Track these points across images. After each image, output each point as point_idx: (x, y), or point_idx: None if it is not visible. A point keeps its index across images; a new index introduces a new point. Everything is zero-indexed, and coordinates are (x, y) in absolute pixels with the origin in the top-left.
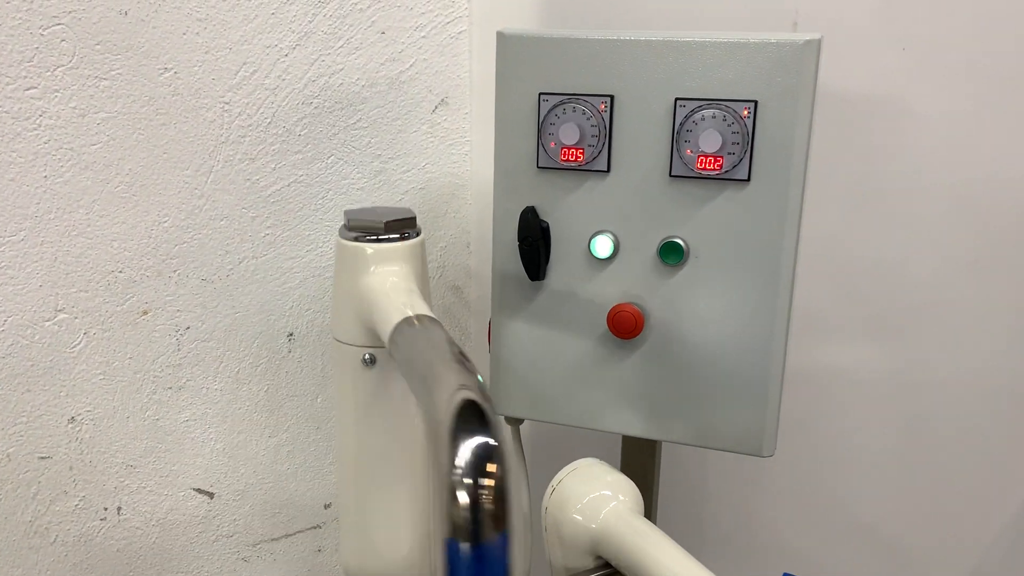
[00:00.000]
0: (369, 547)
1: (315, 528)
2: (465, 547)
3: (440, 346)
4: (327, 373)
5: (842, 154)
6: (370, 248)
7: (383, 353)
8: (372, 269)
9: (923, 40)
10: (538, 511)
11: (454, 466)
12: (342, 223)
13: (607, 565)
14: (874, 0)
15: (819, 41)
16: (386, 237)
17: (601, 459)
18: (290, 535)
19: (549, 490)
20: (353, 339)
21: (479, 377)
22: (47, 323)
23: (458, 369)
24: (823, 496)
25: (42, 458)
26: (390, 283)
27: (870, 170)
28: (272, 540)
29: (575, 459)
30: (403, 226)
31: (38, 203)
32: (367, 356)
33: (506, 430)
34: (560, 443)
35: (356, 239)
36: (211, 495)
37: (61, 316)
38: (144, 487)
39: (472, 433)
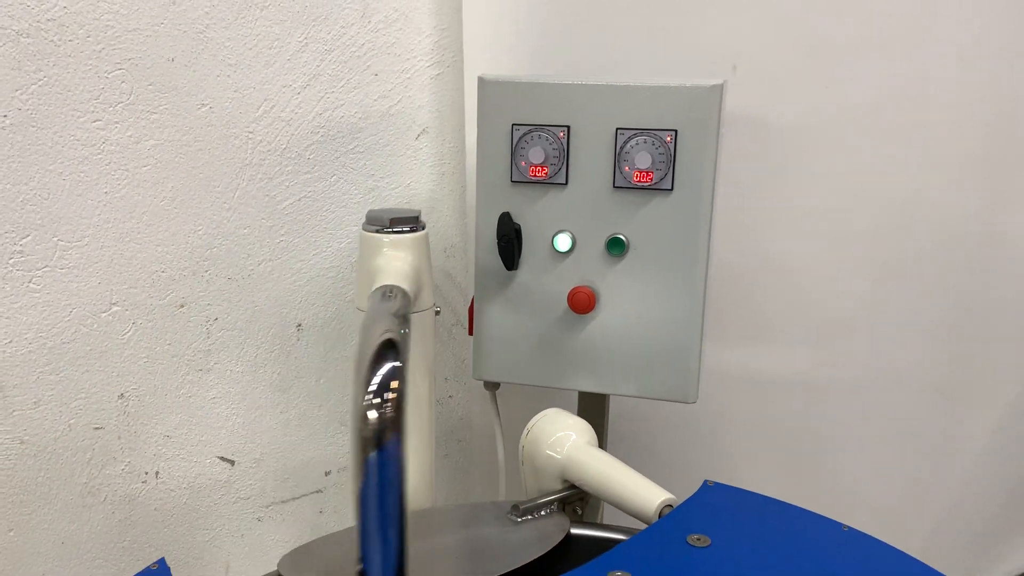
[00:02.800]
0: None
1: (317, 492)
2: (373, 454)
3: (386, 308)
4: (329, 358)
5: (781, 177)
6: (385, 238)
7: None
8: (384, 252)
9: (844, 79)
10: (516, 451)
11: (367, 392)
12: (364, 220)
13: (572, 487)
14: (801, 45)
15: (722, 85)
16: (396, 229)
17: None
18: (296, 498)
19: (524, 432)
20: None
21: (405, 330)
22: (103, 314)
23: (390, 321)
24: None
25: (96, 428)
26: (393, 265)
27: (805, 192)
28: (282, 502)
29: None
30: (408, 222)
31: (99, 214)
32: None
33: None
34: (529, 401)
35: (376, 231)
36: (232, 462)
37: (115, 308)
38: (178, 455)
39: (383, 363)
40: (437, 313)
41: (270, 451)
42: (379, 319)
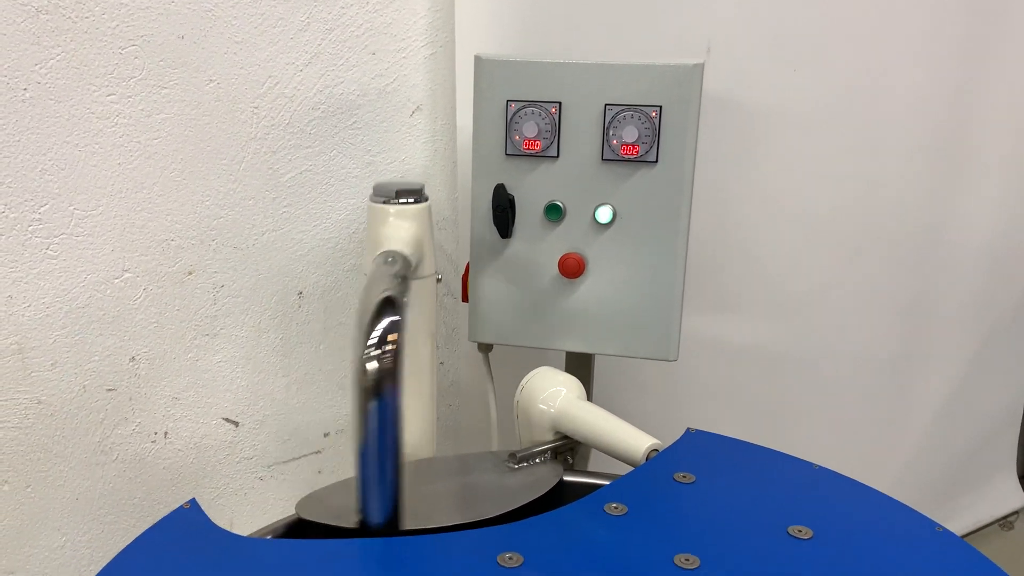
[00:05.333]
0: None
1: (316, 453)
2: (372, 403)
3: (387, 270)
4: (328, 325)
5: (749, 158)
6: (391, 208)
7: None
8: (389, 221)
9: (810, 65)
10: (507, 409)
11: (366, 346)
12: (372, 191)
13: (564, 437)
14: (770, 29)
15: (703, 64)
16: (401, 200)
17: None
18: (296, 459)
19: (519, 388)
20: None
21: (404, 298)
22: (116, 280)
23: (391, 282)
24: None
25: (109, 390)
26: (398, 234)
27: (771, 172)
28: (283, 463)
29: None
30: (411, 193)
31: (113, 184)
32: None
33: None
34: (519, 364)
35: (382, 202)
36: (236, 424)
37: (127, 275)
38: (186, 416)
39: (383, 318)
40: (439, 280)
41: (272, 413)
42: (379, 279)
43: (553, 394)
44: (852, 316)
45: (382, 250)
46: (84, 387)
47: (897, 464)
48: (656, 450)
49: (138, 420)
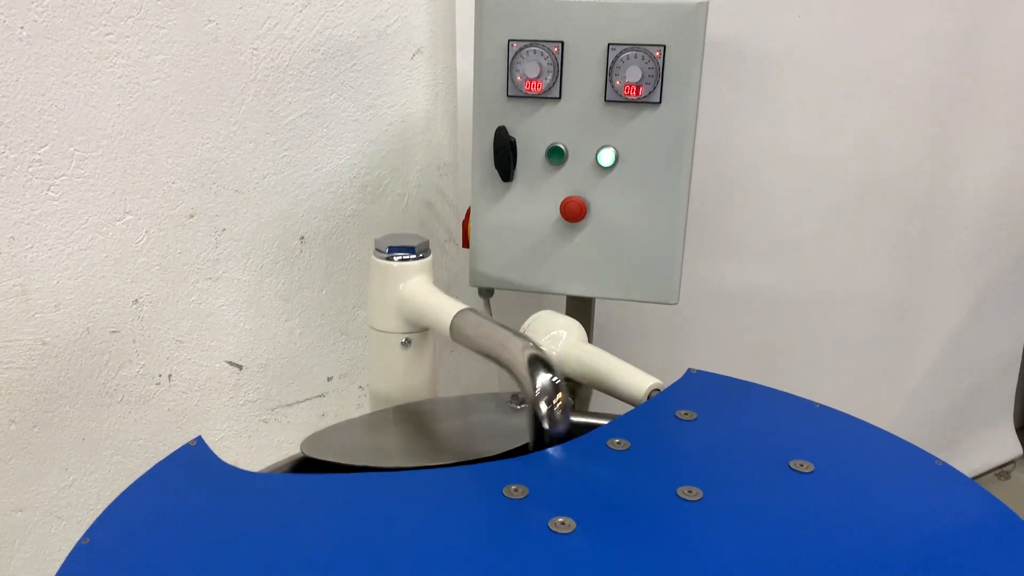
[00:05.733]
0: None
1: (320, 396)
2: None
3: (494, 324)
4: (330, 270)
5: (753, 102)
6: (405, 265)
7: (416, 336)
8: (409, 278)
9: (817, 10)
10: None
11: (535, 390)
12: (375, 248)
13: (567, 379)
14: None
15: (707, 3)
16: (410, 257)
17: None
18: (300, 402)
19: (521, 331)
20: (394, 328)
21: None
22: (117, 223)
23: (517, 338)
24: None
25: (112, 332)
26: (426, 288)
27: (775, 116)
28: (286, 406)
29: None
30: (422, 248)
31: (113, 126)
32: (405, 339)
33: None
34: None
35: (388, 259)
36: (240, 367)
37: (128, 217)
38: (189, 359)
39: (541, 372)
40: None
41: (275, 357)
42: (509, 338)
43: (554, 337)
44: (853, 262)
45: (459, 309)
46: (88, 329)
47: (894, 412)
48: (657, 390)
49: (142, 362)
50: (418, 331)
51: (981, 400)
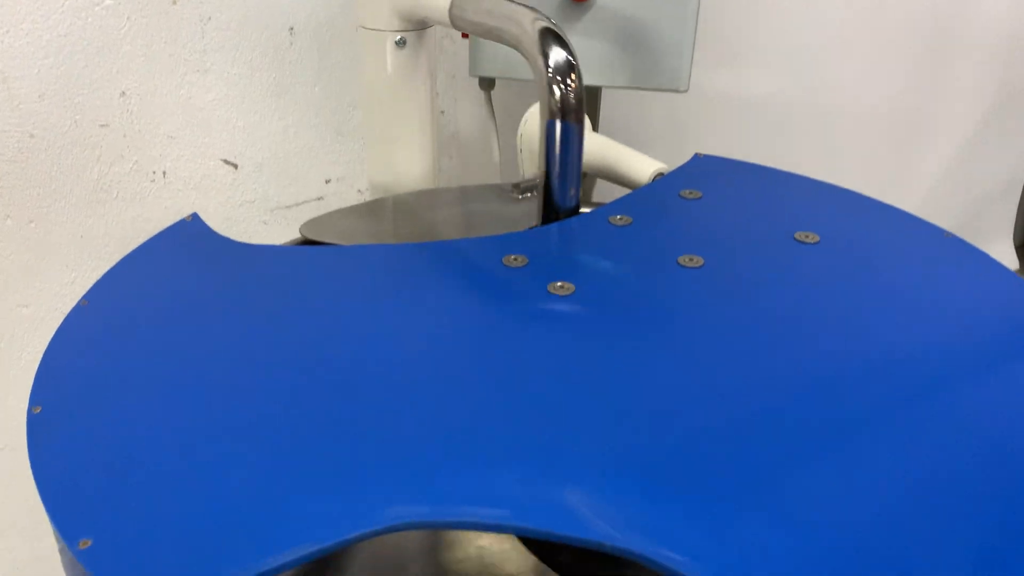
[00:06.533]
0: (390, 167)
1: (319, 199)
2: (557, 124)
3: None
4: (323, 65)
5: None
6: None
7: (411, 35)
8: None
9: None
10: (510, 149)
11: (548, 69)
12: None
13: None
14: None
15: None
16: None
17: None
18: (299, 204)
19: (523, 121)
20: (385, 25)
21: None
22: (96, 7)
23: (527, 10)
24: None
25: (101, 126)
26: None
27: None
28: (286, 208)
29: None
30: None
31: None
32: (400, 39)
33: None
34: (520, 101)
35: None
36: (235, 166)
37: (107, 2)
38: (183, 156)
39: (554, 47)
40: None
41: (271, 156)
42: (517, 10)
43: None
44: (864, 72)
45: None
46: (76, 121)
47: None
48: (662, 173)
49: (135, 158)
50: (413, 29)
51: (983, 218)
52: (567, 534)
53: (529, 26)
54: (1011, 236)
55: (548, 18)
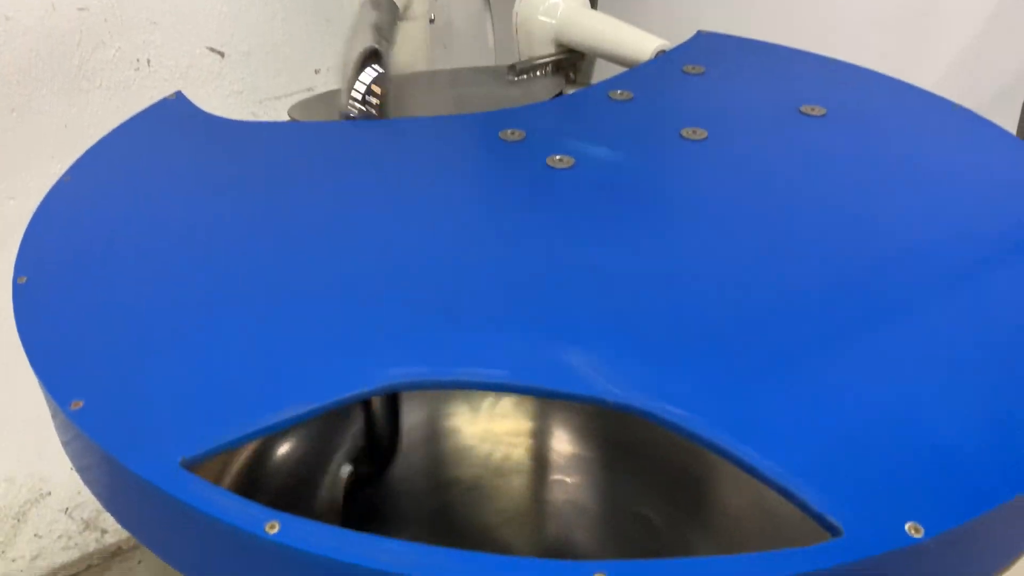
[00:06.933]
0: None
1: (308, 90)
2: None
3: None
4: None
5: None
6: None
7: None
8: None
9: None
10: (509, 24)
11: (351, 99)
12: None
13: (566, 51)
14: None
15: None
16: None
17: None
18: (288, 95)
19: (517, 3)
20: None
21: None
22: None
23: (372, 36)
24: None
25: (80, 9)
26: None
27: None
28: (275, 98)
29: None
30: None
31: None
32: None
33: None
34: None
35: None
36: (222, 54)
37: None
38: (167, 43)
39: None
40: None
41: (258, 45)
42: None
43: (554, 4)
44: None
45: None
46: (53, 5)
47: None
48: (664, 50)
49: (117, 45)
50: None
51: (992, 113)
52: (566, 391)
53: (356, 50)
54: (1015, 130)
55: (382, 45)
